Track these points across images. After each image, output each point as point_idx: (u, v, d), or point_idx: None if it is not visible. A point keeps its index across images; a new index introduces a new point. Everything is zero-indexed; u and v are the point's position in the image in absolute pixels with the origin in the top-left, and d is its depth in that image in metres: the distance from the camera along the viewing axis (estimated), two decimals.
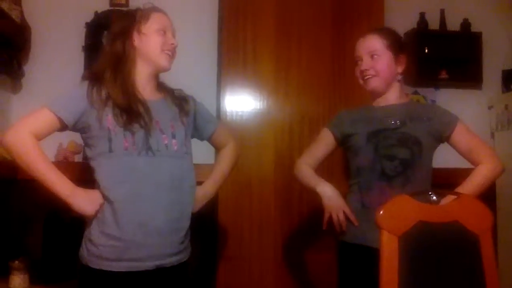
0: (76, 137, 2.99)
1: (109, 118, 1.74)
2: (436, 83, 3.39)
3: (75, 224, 2.55)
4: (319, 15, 3.11)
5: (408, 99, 2.13)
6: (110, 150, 1.73)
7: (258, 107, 3.04)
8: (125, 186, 1.72)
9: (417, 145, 1.94)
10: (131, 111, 1.75)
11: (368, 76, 2.02)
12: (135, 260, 1.71)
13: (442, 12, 3.38)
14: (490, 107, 3.45)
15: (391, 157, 1.94)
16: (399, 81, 2.06)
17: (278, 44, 3.07)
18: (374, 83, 2.02)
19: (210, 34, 3.18)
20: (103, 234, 1.72)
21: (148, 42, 1.83)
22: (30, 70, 3.01)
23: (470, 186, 1.91)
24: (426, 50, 3.32)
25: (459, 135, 2.00)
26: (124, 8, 3.08)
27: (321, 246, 2.88)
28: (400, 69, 2.04)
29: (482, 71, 3.39)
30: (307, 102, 3.06)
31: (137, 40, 1.83)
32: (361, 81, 2.06)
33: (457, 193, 1.66)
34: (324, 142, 2.16)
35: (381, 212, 1.46)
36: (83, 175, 2.99)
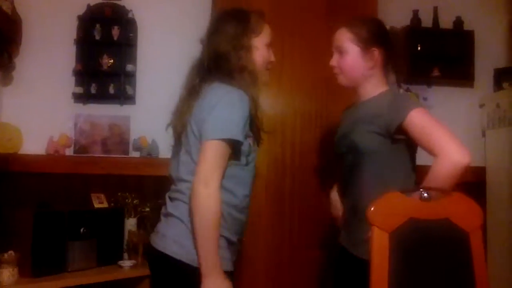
0: (67, 130, 3.00)
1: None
2: (428, 81, 3.40)
3: (65, 218, 2.55)
4: (312, 11, 3.10)
5: (383, 90, 1.92)
6: (247, 163, 1.67)
7: None
8: (249, 196, 1.71)
9: (355, 150, 1.88)
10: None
11: (335, 73, 1.98)
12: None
13: (435, 9, 3.38)
14: (481, 105, 3.46)
15: (345, 161, 1.96)
16: (374, 75, 1.91)
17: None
18: (340, 81, 1.98)
19: (202, 29, 3.16)
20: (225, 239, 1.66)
21: (259, 56, 1.72)
22: (21, 63, 2.98)
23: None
24: (419, 48, 3.33)
25: (410, 126, 1.75)
26: (117, 2, 3.07)
27: (313, 243, 2.88)
28: (370, 64, 1.88)
29: (474, 69, 3.40)
30: (300, 98, 3.06)
31: (250, 51, 1.71)
32: None
33: (447, 191, 1.66)
34: None
35: (372, 208, 1.47)
36: (74, 169, 2.99)
